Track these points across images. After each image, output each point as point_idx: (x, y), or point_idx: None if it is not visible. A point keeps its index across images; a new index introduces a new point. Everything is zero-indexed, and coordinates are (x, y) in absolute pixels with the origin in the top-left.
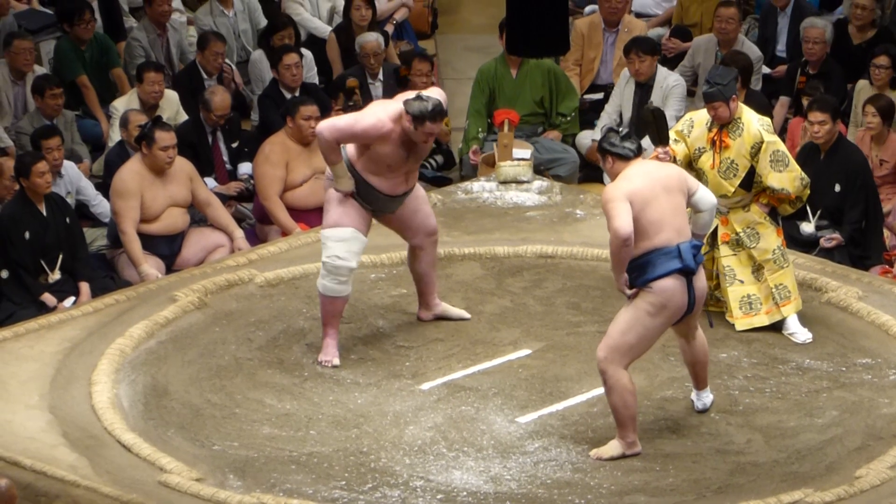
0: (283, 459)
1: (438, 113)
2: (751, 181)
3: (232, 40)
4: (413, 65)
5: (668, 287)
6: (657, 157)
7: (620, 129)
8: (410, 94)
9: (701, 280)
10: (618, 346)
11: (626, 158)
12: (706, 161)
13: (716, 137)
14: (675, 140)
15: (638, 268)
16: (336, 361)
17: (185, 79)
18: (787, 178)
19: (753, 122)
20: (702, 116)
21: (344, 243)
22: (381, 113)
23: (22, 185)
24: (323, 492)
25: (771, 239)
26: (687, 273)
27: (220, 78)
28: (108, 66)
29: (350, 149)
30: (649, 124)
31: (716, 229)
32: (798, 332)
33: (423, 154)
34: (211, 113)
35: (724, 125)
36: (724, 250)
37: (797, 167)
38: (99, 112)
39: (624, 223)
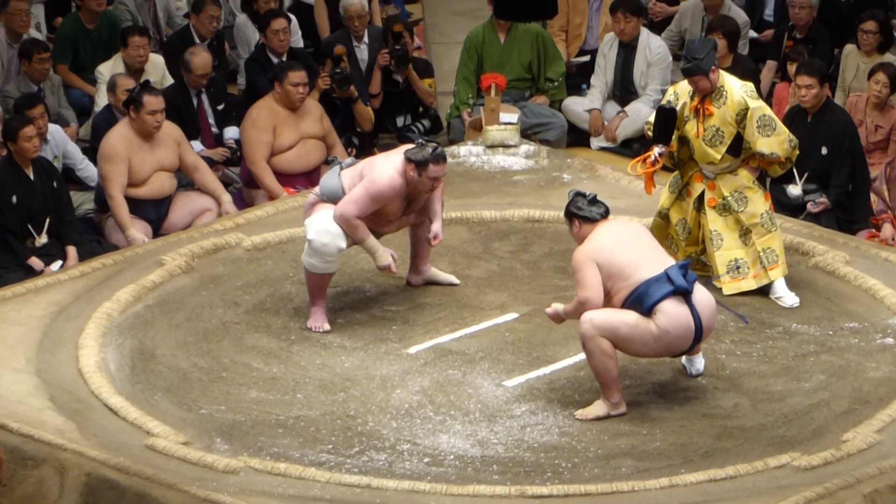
0: (270, 423)
1: (440, 156)
2: (738, 147)
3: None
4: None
5: (673, 311)
6: (651, 156)
7: (587, 193)
8: (406, 147)
9: (703, 302)
10: (609, 328)
11: (593, 221)
12: (690, 129)
13: (699, 106)
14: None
15: (635, 301)
16: (326, 327)
17: (178, 42)
18: (775, 141)
19: (736, 90)
20: (684, 87)
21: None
22: (390, 170)
23: (9, 150)
24: (310, 455)
25: (759, 203)
26: (683, 293)
27: (211, 43)
28: (118, 45)
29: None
30: (658, 118)
31: (702, 193)
32: (785, 296)
33: (418, 206)
34: (192, 74)
35: (706, 94)
36: (711, 215)
37: (784, 129)
38: (86, 88)
39: (593, 296)
